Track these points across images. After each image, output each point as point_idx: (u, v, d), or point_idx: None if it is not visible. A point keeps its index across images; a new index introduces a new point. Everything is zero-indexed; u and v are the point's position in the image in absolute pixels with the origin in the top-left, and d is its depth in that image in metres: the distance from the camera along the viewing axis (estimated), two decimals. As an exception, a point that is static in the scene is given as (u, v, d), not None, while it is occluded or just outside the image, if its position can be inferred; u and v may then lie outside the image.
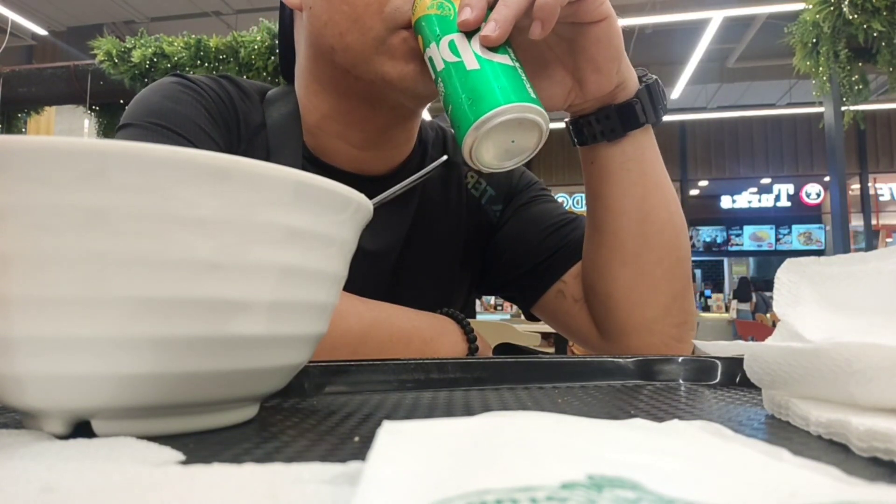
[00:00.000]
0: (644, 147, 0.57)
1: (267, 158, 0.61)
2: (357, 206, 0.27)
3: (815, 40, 4.22)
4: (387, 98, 0.58)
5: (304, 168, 0.62)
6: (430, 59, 0.48)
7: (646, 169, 0.57)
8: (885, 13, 3.79)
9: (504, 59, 0.45)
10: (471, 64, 0.45)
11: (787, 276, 0.29)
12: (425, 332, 0.56)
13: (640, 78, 0.56)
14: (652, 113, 0.56)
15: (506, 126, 0.44)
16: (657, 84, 0.57)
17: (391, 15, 0.53)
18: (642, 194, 0.57)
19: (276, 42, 4.31)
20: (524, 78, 0.46)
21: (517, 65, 0.46)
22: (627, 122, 0.55)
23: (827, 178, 6.67)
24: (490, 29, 0.45)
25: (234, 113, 0.63)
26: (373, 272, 0.65)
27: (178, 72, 0.63)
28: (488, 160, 0.47)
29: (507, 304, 7.07)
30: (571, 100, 0.55)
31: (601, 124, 0.55)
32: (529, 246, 0.69)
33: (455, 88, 0.46)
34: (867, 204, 8.73)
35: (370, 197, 0.68)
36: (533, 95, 0.45)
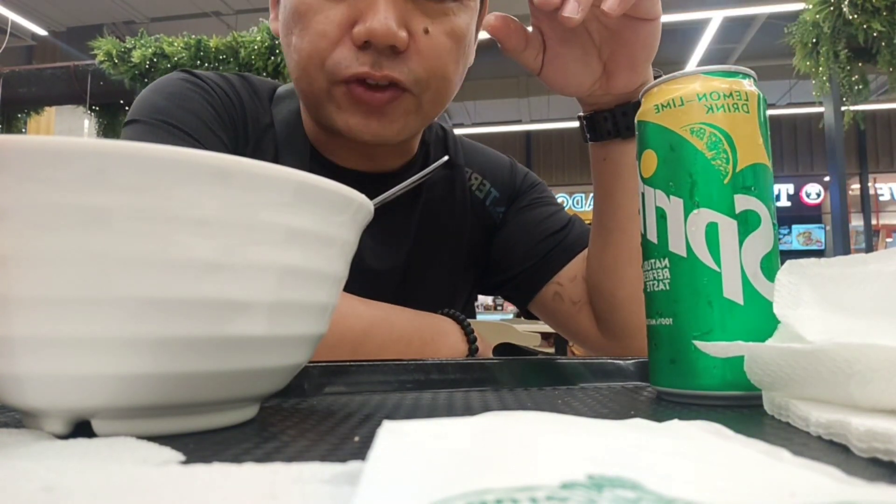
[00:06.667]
0: None
1: (275, 157, 0.61)
2: (358, 207, 0.27)
3: (815, 40, 4.22)
4: None
5: (310, 167, 0.62)
6: (663, 212, 0.33)
7: None
8: (885, 13, 3.79)
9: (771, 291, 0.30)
10: (735, 294, 0.31)
11: (787, 278, 0.29)
12: (425, 333, 0.56)
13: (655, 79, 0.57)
14: None
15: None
16: None
17: (331, 69, 0.53)
18: None
19: (279, 42, 4.31)
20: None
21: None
22: None
23: (827, 178, 6.66)
24: (571, 10, 0.44)
25: (242, 112, 0.63)
26: (382, 276, 0.65)
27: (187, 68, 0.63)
28: None
29: (507, 304, 7.08)
30: (595, 89, 0.55)
31: (619, 120, 0.56)
32: (525, 248, 0.70)
33: (689, 307, 0.32)
34: (867, 204, 8.71)
35: (375, 193, 0.68)
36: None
